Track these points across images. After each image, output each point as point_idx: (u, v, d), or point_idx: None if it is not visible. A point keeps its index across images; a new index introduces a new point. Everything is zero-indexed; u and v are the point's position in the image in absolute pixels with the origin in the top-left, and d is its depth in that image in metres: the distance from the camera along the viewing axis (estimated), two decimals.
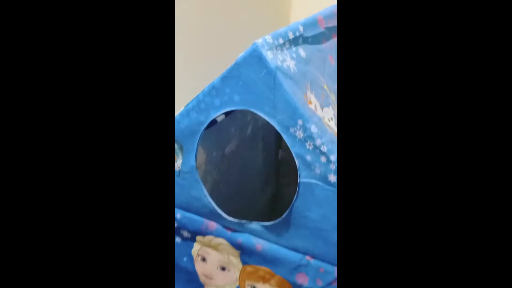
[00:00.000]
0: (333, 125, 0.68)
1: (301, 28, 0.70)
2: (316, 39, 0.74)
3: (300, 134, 0.64)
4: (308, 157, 0.65)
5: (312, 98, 0.67)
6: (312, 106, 0.66)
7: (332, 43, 0.79)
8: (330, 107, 0.71)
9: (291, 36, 0.68)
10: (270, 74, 0.64)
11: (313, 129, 0.63)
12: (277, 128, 0.65)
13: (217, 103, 0.68)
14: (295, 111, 0.64)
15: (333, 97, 0.73)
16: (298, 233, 0.68)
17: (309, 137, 0.64)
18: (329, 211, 0.65)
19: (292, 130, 0.65)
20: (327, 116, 0.68)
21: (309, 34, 0.72)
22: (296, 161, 0.65)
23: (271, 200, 1.24)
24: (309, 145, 0.64)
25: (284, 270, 0.71)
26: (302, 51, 0.70)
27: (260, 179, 1.13)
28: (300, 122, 0.64)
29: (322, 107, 0.69)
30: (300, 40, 0.70)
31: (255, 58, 0.63)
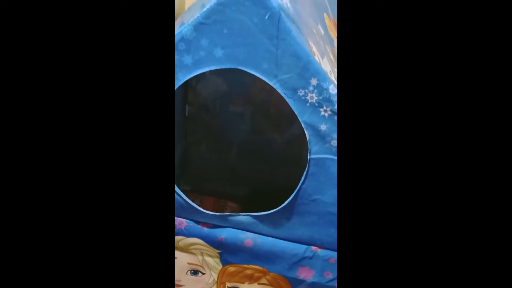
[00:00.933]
0: (334, 80, 0.53)
1: None
2: None
3: (313, 97, 0.48)
4: (323, 127, 0.49)
5: (314, 48, 0.51)
6: (317, 59, 0.50)
7: None
8: (325, 57, 0.55)
9: None
10: (273, 17, 0.45)
11: (332, 90, 0.48)
12: (280, 91, 0.48)
13: (187, 62, 0.48)
14: (307, 67, 0.47)
15: (323, 45, 0.58)
16: (303, 221, 0.54)
17: (327, 100, 0.48)
18: None
19: (301, 92, 0.48)
20: (327, 70, 0.52)
21: None
22: (306, 133, 0.50)
23: (181, 160, 1.06)
24: (326, 111, 0.49)
25: (281, 266, 0.57)
26: None
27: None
28: (314, 81, 0.48)
29: (322, 58, 0.53)
30: None
31: None
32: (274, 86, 0.48)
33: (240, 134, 1.02)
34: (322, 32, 0.60)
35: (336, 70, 0.57)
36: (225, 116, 0.99)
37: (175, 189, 0.53)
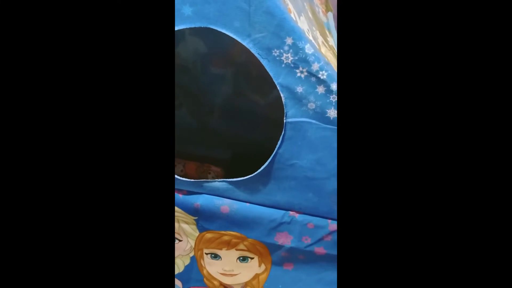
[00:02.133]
0: (312, 39, 0.50)
1: None
2: None
3: (288, 57, 0.46)
4: (299, 89, 0.47)
5: (290, 5, 0.48)
6: (292, 16, 0.47)
7: None
8: (302, 14, 0.52)
9: None
10: None
11: (308, 49, 0.45)
12: (253, 51, 0.46)
13: None
14: (282, 25, 0.45)
15: (301, 2, 0.55)
16: (280, 186, 0.53)
17: (303, 60, 0.46)
18: (326, 155, 0.50)
19: (276, 52, 0.46)
20: (304, 28, 0.50)
21: None
22: (282, 95, 0.47)
23: None
24: (302, 72, 0.46)
25: (258, 232, 0.56)
26: None
27: None
28: (289, 40, 0.45)
29: (299, 16, 0.50)
30: None
31: None
32: (248, 46, 0.46)
33: (222, 97, 0.99)
34: None
35: (314, 28, 0.54)
36: (206, 78, 0.96)
37: None
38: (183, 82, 0.98)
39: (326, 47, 0.56)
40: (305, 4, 0.55)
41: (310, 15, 0.56)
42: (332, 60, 0.51)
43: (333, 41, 0.63)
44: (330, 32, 0.65)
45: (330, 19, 0.69)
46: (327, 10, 0.72)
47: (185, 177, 0.92)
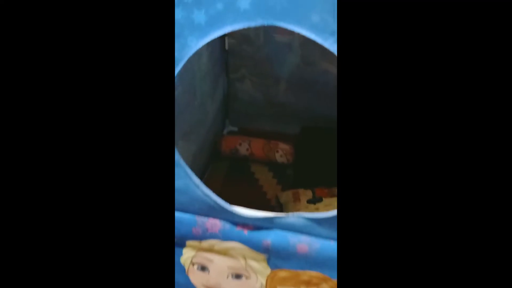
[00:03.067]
0: None
1: None
2: None
3: None
4: None
5: None
6: None
7: None
8: None
9: None
10: None
11: None
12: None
13: (200, 20, 0.32)
14: None
15: None
16: None
17: None
18: None
19: None
20: None
21: None
22: None
23: (224, 99, 0.95)
24: None
25: None
26: None
27: (209, 80, 0.79)
28: None
29: None
30: None
31: None
32: (330, 48, 0.32)
33: (288, 67, 0.89)
34: None
35: None
36: (271, 48, 0.86)
37: (204, 190, 0.40)
38: (245, 53, 0.88)
39: None
40: None
41: None
42: None
43: None
44: None
45: None
46: None
47: (252, 157, 0.83)
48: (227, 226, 0.43)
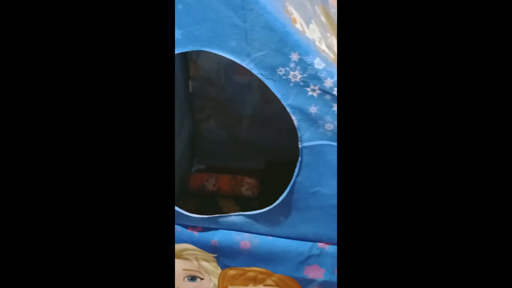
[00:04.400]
0: (326, 49, 0.43)
1: None
2: None
3: (296, 75, 0.40)
4: (313, 109, 0.41)
5: (294, 13, 0.42)
6: (298, 27, 0.41)
7: None
8: (313, 21, 0.46)
9: None
10: None
11: (318, 64, 0.39)
12: (255, 72, 0.40)
13: None
14: (284, 40, 0.38)
15: (310, 6, 0.48)
16: (304, 217, 0.47)
17: (313, 77, 0.39)
18: None
19: (281, 71, 0.40)
20: (315, 37, 0.43)
21: None
22: (294, 118, 0.41)
23: (191, 139, 1.00)
24: (313, 90, 0.40)
25: (286, 267, 0.50)
26: None
27: (175, 121, 0.86)
28: (294, 56, 0.39)
29: (307, 25, 0.44)
30: None
31: None
32: (248, 67, 0.40)
33: (249, 105, 0.95)
34: None
35: (329, 34, 0.48)
36: (232, 88, 0.91)
37: None
38: (208, 94, 0.94)
39: None
40: (316, 8, 0.49)
41: (323, 19, 0.49)
42: None
43: None
44: None
45: None
46: None
47: (219, 192, 0.88)
48: (180, 228, 0.50)
